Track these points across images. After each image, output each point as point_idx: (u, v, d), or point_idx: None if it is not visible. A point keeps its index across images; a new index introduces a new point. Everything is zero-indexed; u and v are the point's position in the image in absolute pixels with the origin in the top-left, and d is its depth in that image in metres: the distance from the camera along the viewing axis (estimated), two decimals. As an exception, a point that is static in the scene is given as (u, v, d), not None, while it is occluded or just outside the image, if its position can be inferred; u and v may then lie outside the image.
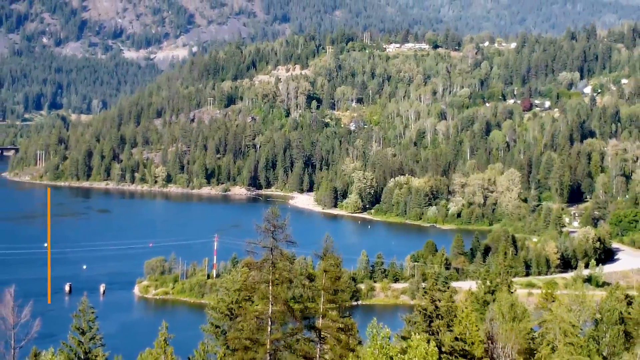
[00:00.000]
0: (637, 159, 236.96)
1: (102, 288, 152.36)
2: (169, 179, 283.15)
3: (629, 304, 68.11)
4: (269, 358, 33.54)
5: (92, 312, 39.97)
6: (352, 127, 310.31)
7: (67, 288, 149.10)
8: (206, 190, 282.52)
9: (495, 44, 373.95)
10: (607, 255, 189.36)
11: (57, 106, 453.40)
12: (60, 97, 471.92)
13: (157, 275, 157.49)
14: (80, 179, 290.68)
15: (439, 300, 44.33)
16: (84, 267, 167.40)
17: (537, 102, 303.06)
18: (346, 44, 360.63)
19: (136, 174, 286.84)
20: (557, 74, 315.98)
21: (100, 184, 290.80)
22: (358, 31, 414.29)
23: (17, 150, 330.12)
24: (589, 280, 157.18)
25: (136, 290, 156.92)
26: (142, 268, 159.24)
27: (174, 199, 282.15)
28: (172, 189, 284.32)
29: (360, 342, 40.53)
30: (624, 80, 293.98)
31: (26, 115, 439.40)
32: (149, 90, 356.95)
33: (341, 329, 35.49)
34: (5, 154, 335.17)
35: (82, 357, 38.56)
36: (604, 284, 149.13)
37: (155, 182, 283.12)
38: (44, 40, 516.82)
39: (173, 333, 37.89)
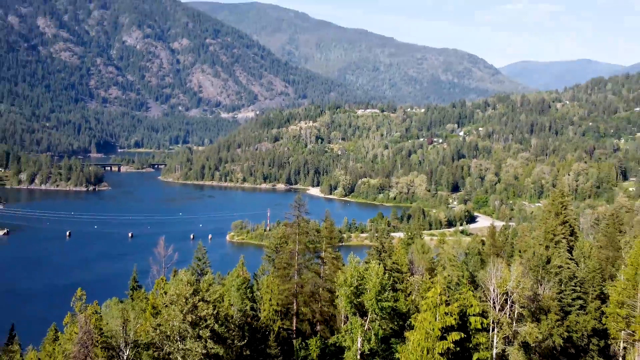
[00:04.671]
0: (487, 170, 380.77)
1: (209, 236, 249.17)
2: (244, 180, 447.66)
3: (483, 243, 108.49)
4: (296, 273, 56.28)
5: (204, 249, 63.77)
6: (340, 153, 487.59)
7: (191, 236, 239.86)
8: (264, 186, 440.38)
9: (414, 109, 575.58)
10: (471, 219, 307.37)
11: (186, 142, 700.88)
12: (188, 137, 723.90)
13: (238, 229, 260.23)
14: (198, 179, 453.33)
15: (384, 243, 69.46)
16: (200, 225, 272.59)
17: (435, 139, 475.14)
18: (336, 109, 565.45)
19: (227, 177, 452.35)
20: (446, 125, 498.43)
21: (209, 183, 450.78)
22: (342, 102, 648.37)
23: (165, 165, 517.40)
24: (462, 232, 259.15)
25: (227, 237, 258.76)
26: (230, 226, 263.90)
27: (247, 191, 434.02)
28: (246, 185, 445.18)
29: (344, 264, 63.38)
30: (480, 129, 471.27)
31: (170, 147, 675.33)
32: (233, 134, 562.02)
33: (334, 257, 59.21)
34: (159, 167, 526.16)
35: (199, 273, 61.40)
36: (470, 234, 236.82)
37: (237, 181, 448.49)
38: (179, 107, 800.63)
39: (248, 261, 63.87)
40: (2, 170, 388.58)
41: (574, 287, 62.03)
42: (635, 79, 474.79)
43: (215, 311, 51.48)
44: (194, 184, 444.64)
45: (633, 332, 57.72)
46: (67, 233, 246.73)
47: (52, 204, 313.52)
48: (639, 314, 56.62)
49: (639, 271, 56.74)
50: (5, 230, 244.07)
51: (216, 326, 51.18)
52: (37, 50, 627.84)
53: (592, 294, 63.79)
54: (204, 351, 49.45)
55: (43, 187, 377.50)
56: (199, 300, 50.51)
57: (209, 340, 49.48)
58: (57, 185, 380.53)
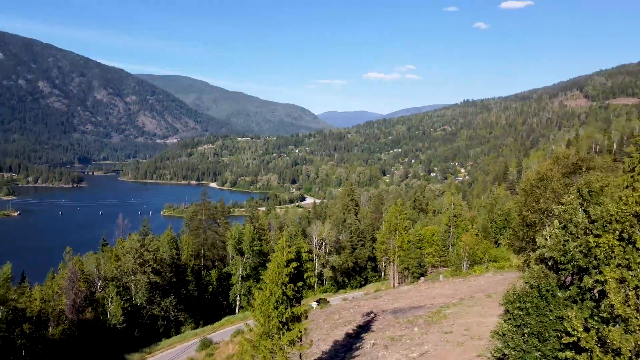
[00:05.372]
0: (311, 171, 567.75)
1: (150, 212, 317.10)
2: (170, 179, 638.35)
3: (309, 212, 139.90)
4: (203, 232, 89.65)
5: (147, 220, 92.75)
6: (228, 162, 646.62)
7: (139, 213, 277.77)
8: (183, 182, 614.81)
9: (270, 138, 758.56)
10: (303, 199, 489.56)
11: (135, 157, 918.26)
12: (137, 154, 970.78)
13: (168, 208, 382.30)
14: (143, 179, 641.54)
15: (254, 213, 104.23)
16: (144, 206, 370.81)
17: (282, 154, 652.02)
18: (225, 138, 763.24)
19: (160, 177, 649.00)
20: (288, 146, 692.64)
21: (150, 181, 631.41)
22: (229, 134, 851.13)
23: (122, 170, 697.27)
24: (298, 206, 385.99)
25: (162, 213, 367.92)
26: (163, 205, 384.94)
27: (172, 185, 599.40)
28: (172, 182, 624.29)
29: (231, 226, 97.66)
30: (307, 149, 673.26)
31: (126, 160, 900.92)
32: (164, 152, 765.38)
33: (225, 222, 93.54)
34: (119, 172, 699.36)
35: (144, 234, 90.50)
36: (302, 207, 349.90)
37: (166, 180, 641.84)
38: (131, 137, 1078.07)
39: (174, 226, 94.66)
40: (17, 175, 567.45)
41: (358, 234, 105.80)
42: (389, 122, 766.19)
43: (154, 256, 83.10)
44: (140, 182, 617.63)
45: (388, 257, 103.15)
46: (60, 213, 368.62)
47: (49, 195, 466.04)
48: (392, 247, 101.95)
49: (391, 225, 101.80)
50: (18, 212, 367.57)
51: (155, 265, 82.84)
52: (38, 101, 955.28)
53: (368, 237, 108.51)
54: (148, 280, 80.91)
55: (43, 185, 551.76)
56: (144, 250, 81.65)
57: (150, 274, 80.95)
58: (52, 184, 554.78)
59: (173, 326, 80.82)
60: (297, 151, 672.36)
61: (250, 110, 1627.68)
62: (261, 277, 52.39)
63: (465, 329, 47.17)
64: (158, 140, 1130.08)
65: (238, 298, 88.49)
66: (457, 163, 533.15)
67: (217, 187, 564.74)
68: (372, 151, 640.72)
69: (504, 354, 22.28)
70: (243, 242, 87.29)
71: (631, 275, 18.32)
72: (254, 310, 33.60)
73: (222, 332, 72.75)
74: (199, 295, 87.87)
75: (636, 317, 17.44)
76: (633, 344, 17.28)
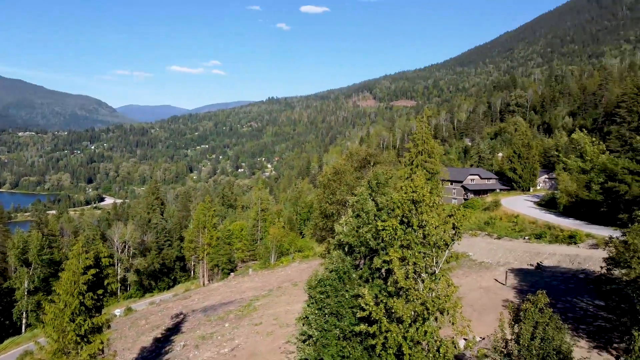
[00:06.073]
0: (110, 169, 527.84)
1: None
2: None
3: (109, 214, 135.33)
4: None
5: None
6: (6, 161, 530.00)
7: None
8: None
9: (60, 132, 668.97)
10: (101, 199, 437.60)
11: None
12: None
13: None
14: None
15: (42, 217, 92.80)
16: None
17: (75, 151, 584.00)
18: (2, 132, 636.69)
19: None
20: (82, 142, 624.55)
21: None
22: (7, 128, 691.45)
23: None
24: (96, 207, 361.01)
25: None
26: None
27: None
28: None
29: (12, 234, 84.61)
30: (105, 144, 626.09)
31: None
32: None
33: (4, 231, 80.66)
34: None
35: None
36: (101, 209, 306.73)
37: None
38: None
39: None
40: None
41: (165, 234, 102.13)
42: (195, 117, 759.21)
43: None
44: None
45: (198, 255, 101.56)
46: None
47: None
48: (201, 245, 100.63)
49: (200, 222, 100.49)
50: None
51: None
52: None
53: (175, 237, 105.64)
54: None
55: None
56: None
57: None
58: None
59: None
60: (93, 147, 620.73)
61: (34, 102, 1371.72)
62: (53, 288, 49.00)
63: (275, 318, 49.24)
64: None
65: (25, 315, 77.72)
66: (264, 158, 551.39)
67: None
68: (178, 147, 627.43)
69: (309, 336, 23.97)
70: (29, 251, 77.06)
71: (410, 254, 21.41)
72: (44, 326, 30.02)
73: (5, 356, 63.16)
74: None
75: (414, 289, 20.46)
76: (412, 312, 20.26)
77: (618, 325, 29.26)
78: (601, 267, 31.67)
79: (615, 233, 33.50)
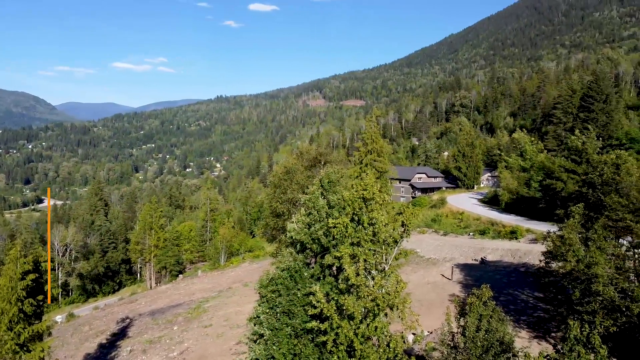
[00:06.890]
0: (50, 169, 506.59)
1: None
2: None
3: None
4: None
5: None
6: None
7: None
8: None
9: None
10: (40, 201, 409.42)
11: None
12: None
13: None
14: None
15: None
16: None
17: (11, 150, 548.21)
18: None
19: None
20: (19, 141, 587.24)
21: None
22: None
23: None
24: (34, 210, 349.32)
25: None
26: None
27: None
28: None
29: None
30: (44, 143, 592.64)
31: None
32: None
33: None
34: None
35: None
36: (40, 211, 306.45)
37: None
38: None
39: None
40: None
41: (109, 236, 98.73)
42: (140, 115, 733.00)
43: None
44: None
45: (144, 257, 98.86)
46: None
47: None
48: (148, 247, 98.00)
49: (146, 223, 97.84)
50: None
51: None
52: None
53: (121, 239, 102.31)
54: None
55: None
56: None
57: None
58: None
59: None
60: (30, 147, 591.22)
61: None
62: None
63: (225, 319, 48.72)
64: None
65: (-45, 325, 73.20)
66: (212, 158, 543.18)
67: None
68: (123, 146, 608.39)
69: (260, 335, 23.92)
70: (-41, 256, 72.44)
71: (360, 251, 21.79)
72: (-22, 337, 28.49)
73: None
74: None
75: (365, 285, 20.83)
76: (362, 309, 20.63)
77: (555, 315, 30.91)
78: (540, 261, 33.39)
79: (553, 228, 35.34)
